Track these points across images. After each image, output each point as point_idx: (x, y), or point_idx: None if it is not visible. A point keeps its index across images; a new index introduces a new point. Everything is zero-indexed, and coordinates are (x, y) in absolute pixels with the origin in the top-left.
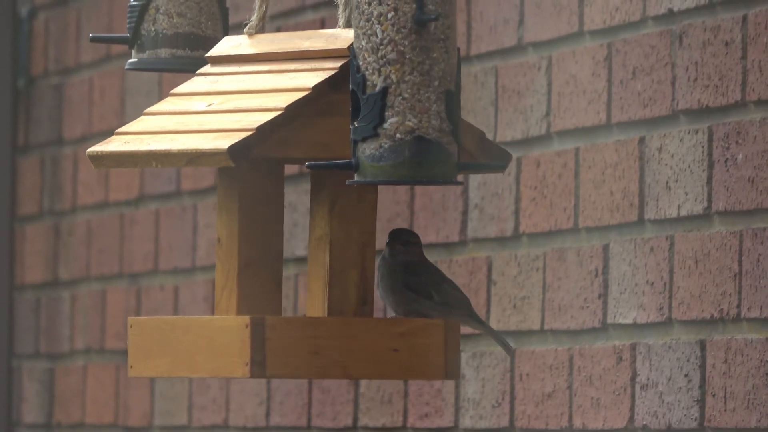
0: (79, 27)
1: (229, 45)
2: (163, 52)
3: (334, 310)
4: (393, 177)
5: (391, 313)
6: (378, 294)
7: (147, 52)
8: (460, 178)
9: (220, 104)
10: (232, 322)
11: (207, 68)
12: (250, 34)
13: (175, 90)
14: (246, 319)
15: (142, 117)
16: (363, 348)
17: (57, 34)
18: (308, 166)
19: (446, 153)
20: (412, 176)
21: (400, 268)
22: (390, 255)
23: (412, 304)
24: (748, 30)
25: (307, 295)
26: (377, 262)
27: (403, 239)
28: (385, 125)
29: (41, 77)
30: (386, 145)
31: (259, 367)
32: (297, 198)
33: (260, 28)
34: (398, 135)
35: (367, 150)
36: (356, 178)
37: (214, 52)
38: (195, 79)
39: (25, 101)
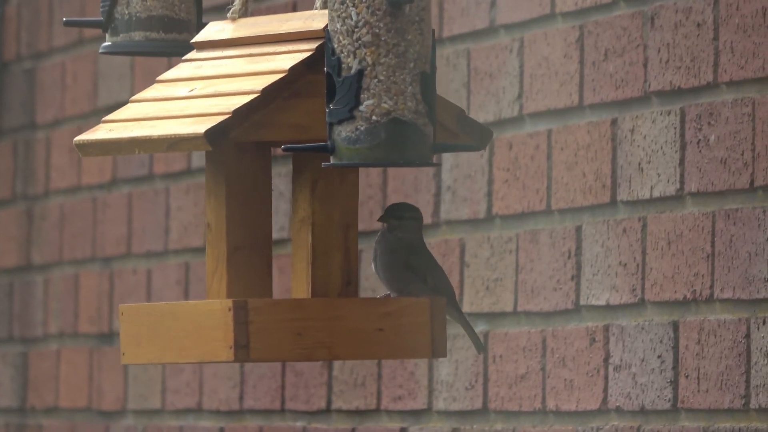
0: (51, 11)
1: (213, 30)
2: (137, 35)
3: (319, 291)
4: (369, 159)
5: (383, 290)
6: (372, 269)
7: (121, 35)
8: (436, 159)
9: (201, 89)
10: (216, 306)
11: (193, 54)
12: (233, 19)
13: (161, 77)
14: (228, 302)
15: (129, 104)
16: (348, 328)
17: (29, 18)
18: (284, 149)
19: (422, 134)
20: (388, 158)
21: (402, 247)
22: (388, 230)
23: (406, 283)
24: (720, 11)
25: (292, 277)
26: (374, 240)
27: (397, 214)
28: (361, 108)
29: (13, 62)
30: (362, 128)
31: (243, 350)
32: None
33: (243, 13)
34: (374, 117)
35: (343, 132)
36: (332, 160)
37: (199, 37)
38: (181, 65)
39: None
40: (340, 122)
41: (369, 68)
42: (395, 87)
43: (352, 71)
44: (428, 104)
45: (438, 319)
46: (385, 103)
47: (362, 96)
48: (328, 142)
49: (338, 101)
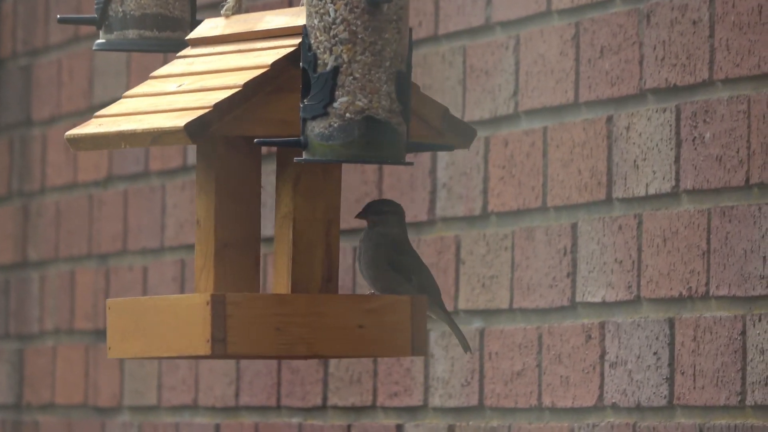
0: (47, 8)
1: (207, 27)
2: (131, 33)
3: (299, 287)
4: (342, 156)
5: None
6: (357, 267)
7: (115, 32)
8: (411, 157)
9: (189, 84)
10: (196, 300)
11: (187, 50)
12: (226, 16)
13: (155, 72)
14: (207, 296)
15: (121, 100)
16: (328, 325)
17: (25, 15)
18: (257, 143)
19: (396, 133)
20: (361, 156)
21: (385, 244)
22: (369, 227)
23: (390, 283)
24: (716, 9)
25: (273, 273)
26: (359, 238)
27: (376, 209)
28: (335, 104)
29: (10, 59)
30: (336, 125)
31: (220, 344)
32: (265, 178)
33: (237, 10)
34: (348, 114)
35: (316, 128)
36: (305, 156)
37: (193, 34)
38: (175, 61)
39: None
40: (313, 118)
41: (345, 65)
42: (370, 85)
43: (328, 68)
44: (403, 103)
45: (418, 317)
46: (359, 100)
47: (337, 93)
48: (301, 138)
49: (312, 97)
